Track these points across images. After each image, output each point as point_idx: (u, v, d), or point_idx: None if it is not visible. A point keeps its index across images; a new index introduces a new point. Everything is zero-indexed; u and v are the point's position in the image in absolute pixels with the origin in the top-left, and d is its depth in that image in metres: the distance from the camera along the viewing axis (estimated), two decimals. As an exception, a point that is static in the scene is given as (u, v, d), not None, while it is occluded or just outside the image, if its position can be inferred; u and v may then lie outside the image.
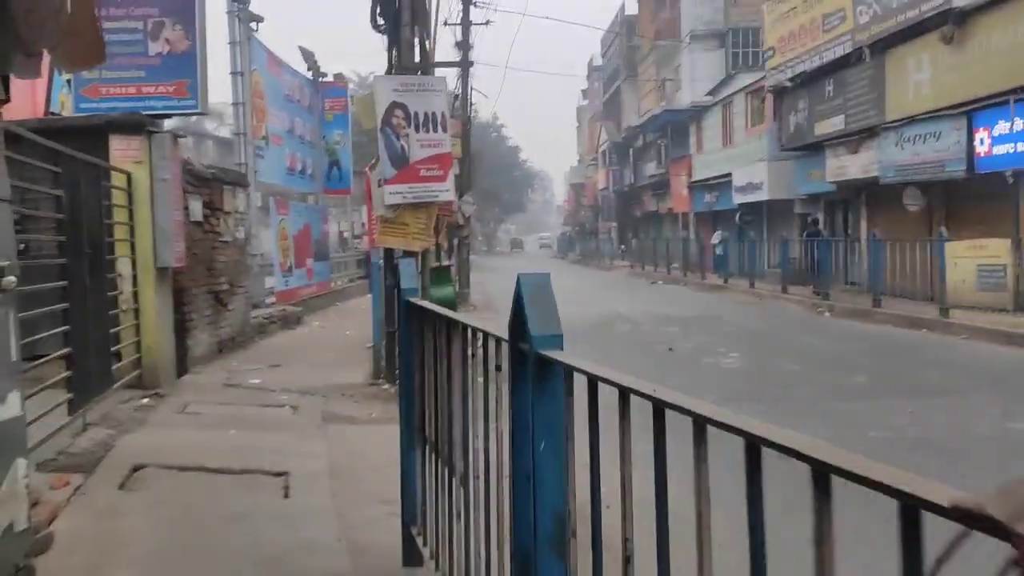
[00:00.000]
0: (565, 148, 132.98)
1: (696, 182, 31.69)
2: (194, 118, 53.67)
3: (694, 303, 20.44)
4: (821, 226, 22.27)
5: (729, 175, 27.64)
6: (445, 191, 9.42)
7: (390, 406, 8.51)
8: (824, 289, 18.03)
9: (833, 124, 19.10)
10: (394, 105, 9.23)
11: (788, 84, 21.07)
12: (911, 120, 15.80)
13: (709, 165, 30.24)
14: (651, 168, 44.60)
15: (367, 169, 10.31)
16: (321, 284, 19.68)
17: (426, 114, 9.32)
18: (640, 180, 47.87)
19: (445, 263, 15.21)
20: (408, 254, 9.50)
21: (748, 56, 37.74)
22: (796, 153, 22.58)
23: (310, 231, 18.97)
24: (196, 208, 11.07)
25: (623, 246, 47.92)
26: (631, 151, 50.86)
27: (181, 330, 10.22)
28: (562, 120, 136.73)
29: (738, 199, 27.09)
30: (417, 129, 9.28)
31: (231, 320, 12.37)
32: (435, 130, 9.37)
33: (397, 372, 9.64)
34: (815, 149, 20.65)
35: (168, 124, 10.86)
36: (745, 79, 27.65)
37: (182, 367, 9.97)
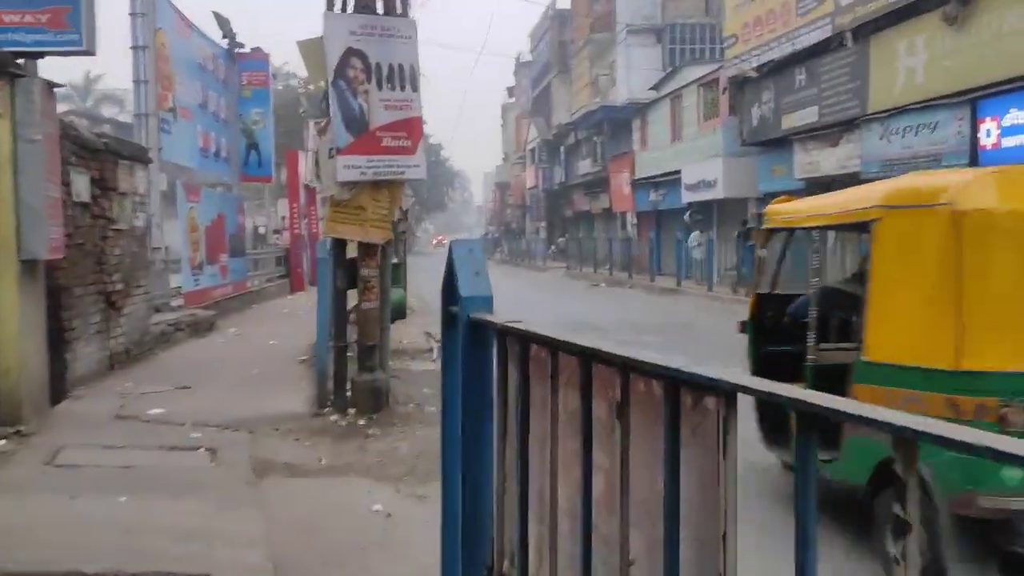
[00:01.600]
0: (484, 148, 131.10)
1: (640, 180, 30.19)
2: (89, 102, 49.49)
3: (657, 308, 18.78)
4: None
5: (678, 172, 26.18)
6: (413, 167, 7.32)
7: (345, 447, 6.38)
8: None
9: (804, 116, 17.73)
10: (350, 53, 7.08)
11: (752, 74, 19.65)
12: (902, 110, 14.45)
13: (655, 162, 28.77)
14: (585, 166, 43.11)
15: (315, 129, 8.11)
16: (237, 284, 17.17)
17: (391, 67, 7.19)
18: (572, 178, 46.37)
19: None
20: (364, 247, 7.35)
21: (686, 52, 36.60)
22: (757, 149, 21.21)
23: (224, 222, 16.43)
24: (81, 186, 8.64)
25: (553, 246, 46.26)
26: (562, 149, 49.35)
27: (58, 342, 7.81)
28: (480, 120, 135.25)
29: (688, 197, 25.66)
30: (380, 85, 7.15)
31: (127, 328, 9.93)
32: (402, 88, 7.26)
33: (350, 398, 7.49)
34: (780, 144, 19.29)
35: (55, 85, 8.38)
36: (695, 71, 26.24)
37: (58, 391, 7.56)
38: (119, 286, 9.68)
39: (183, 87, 14.60)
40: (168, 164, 14.01)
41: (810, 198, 6.86)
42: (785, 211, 5.80)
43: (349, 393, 7.41)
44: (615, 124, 38.26)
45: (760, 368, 5.73)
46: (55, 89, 7.09)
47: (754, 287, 6.43)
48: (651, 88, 30.67)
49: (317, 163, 17.10)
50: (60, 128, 7.80)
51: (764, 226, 5.95)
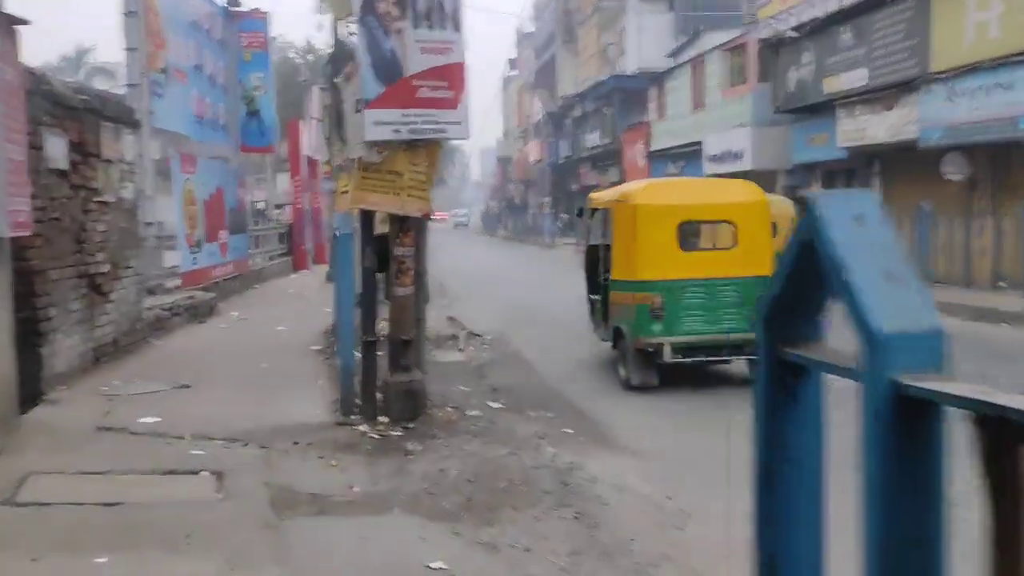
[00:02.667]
0: (483, 122, 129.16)
1: (657, 151, 28.79)
2: (81, 75, 47.72)
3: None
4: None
5: (699, 143, 24.80)
6: (455, 124, 6.02)
7: (381, 467, 5.18)
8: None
9: (850, 79, 16.35)
10: (380, -20, 5.76)
11: (791, 34, 18.22)
12: (971, 68, 13.11)
13: (673, 132, 27.35)
14: (593, 139, 41.66)
15: (335, 79, 6.84)
16: (238, 262, 15.87)
17: (430, 1, 5.88)
18: (579, 152, 44.90)
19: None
20: (398, 222, 6.07)
21: (700, 19, 35.07)
22: (792, 117, 19.85)
23: (223, 196, 15.11)
24: (57, 150, 7.34)
25: (559, 221, 44.85)
26: (568, 121, 47.85)
27: (30, 335, 6.57)
28: (478, 94, 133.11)
29: (710, 169, 24.25)
30: (417, 23, 5.84)
31: (115, 314, 8.67)
32: (443, 26, 5.94)
33: (381, 403, 6.23)
34: (821, 110, 17.92)
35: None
36: (718, 36, 24.77)
37: (31, 393, 6.33)
38: (105, 267, 8.41)
39: (176, 47, 13.23)
40: (161, 132, 12.67)
41: (607, 190, 10.94)
42: (595, 198, 10.14)
43: (379, 397, 6.16)
44: (626, 95, 36.77)
45: (591, 288, 9.69)
46: (17, 27, 5.77)
47: (585, 241, 10.87)
48: (668, 55, 29.20)
49: (328, 133, 15.61)
50: (29, 80, 6.50)
51: (588, 207, 9.94)
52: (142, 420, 6.06)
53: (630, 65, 37.29)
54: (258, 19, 17.10)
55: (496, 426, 6.33)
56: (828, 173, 19.27)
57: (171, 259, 12.80)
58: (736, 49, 23.03)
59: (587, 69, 44.30)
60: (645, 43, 36.99)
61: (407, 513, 4.54)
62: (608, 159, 38.80)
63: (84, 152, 7.99)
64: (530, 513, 4.53)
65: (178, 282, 12.49)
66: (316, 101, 22.39)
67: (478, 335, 10.75)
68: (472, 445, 5.76)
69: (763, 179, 22.53)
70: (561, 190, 51.58)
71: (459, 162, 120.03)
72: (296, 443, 5.67)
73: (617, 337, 8.31)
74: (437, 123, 5.94)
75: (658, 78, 29.50)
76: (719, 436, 5.54)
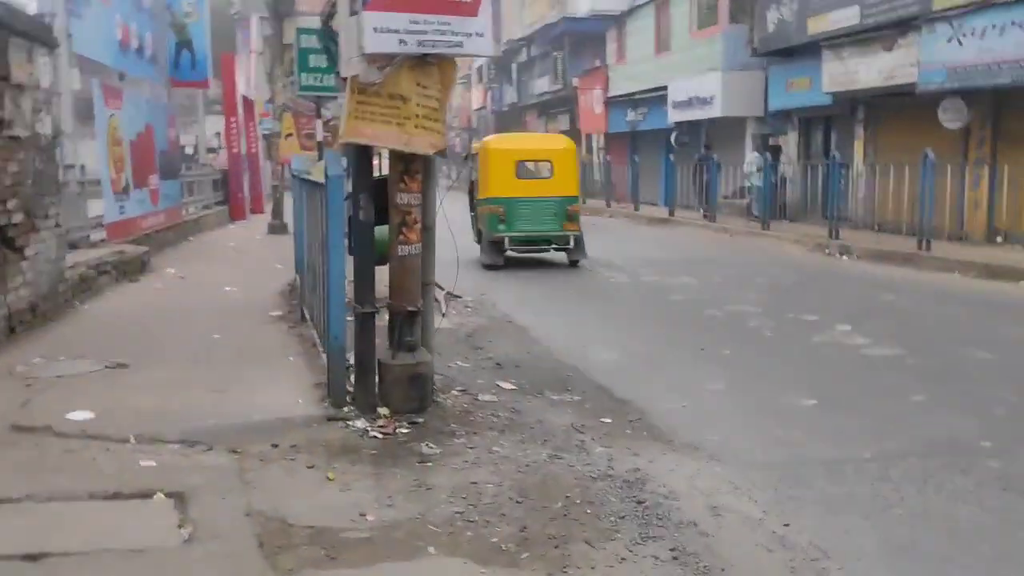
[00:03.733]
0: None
1: (615, 97, 27.51)
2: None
3: (664, 243, 16.48)
4: (790, 150, 18.82)
5: (663, 88, 23.63)
6: (476, 35, 4.69)
7: (393, 480, 4.05)
8: (838, 227, 14.47)
9: (839, 18, 15.31)
10: None
11: (772, -31, 17.08)
12: (982, 5, 12.17)
13: (633, 77, 26.08)
14: (542, 85, 40.09)
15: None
16: (170, 212, 14.19)
17: None
18: (526, 99, 43.35)
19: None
20: (402, 162, 4.75)
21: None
22: (769, 60, 18.82)
23: (153, 136, 13.37)
24: (-51, 67, 5.78)
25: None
26: (514, 67, 46.12)
27: (-82, 306, 5.12)
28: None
29: (675, 117, 23.20)
30: (426, -103, 4.46)
31: (31, 275, 7.16)
32: (460, -95, 4.58)
33: (380, 390, 4.92)
34: (803, 53, 16.90)
35: None
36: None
37: (-79, 382, 4.90)
38: (18, 216, 6.88)
39: (97, -40, 11.40)
40: (80, 60, 10.89)
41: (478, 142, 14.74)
42: (473, 147, 14.30)
43: (377, 380, 4.92)
44: (578, 38, 35.24)
45: (471, 208, 13.35)
46: None
47: (469, 178, 13.75)
48: (627, -5, 27.83)
49: (270, 68, 13.86)
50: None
51: (470, 154, 13.40)
52: (71, 415, 4.70)
53: (582, 6, 35.77)
54: (190, -64, 15.18)
55: (521, 416, 5.15)
56: (806, 120, 18.38)
57: (94, 208, 11.14)
58: (705, -13, 21.81)
59: (534, 11, 42.45)
60: (597, -17, 35.49)
61: (447, 554, 3.35)
62: (559, 106, 37.35)
63: (-15, 73, 6.40)
64: (611, 550, 3.39)
65: (103, 235, 10.86)
66: (255, 32, 20.49)
67: (457, 296, 9.51)
68: (501, 445, 4.57)
69: (732, 127, 21.61)
70: (505, 138, 49.96)
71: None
72: (275, 445, 4.41)
73: (480, 235, 12.58)
74: (454, 34, 4.61)
75: (617, 20, 28.13)
76: (815, 428, 4.65)
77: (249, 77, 19.58)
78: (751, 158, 19.00)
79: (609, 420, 5.19)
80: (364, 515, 3.66)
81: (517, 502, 3.83)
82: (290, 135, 15.71)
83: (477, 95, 54.60)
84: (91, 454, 4.20)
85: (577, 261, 12.27)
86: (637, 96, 25.99)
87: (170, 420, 4.66)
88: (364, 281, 4.84)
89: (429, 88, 4.69)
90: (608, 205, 24.87)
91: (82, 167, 10.56)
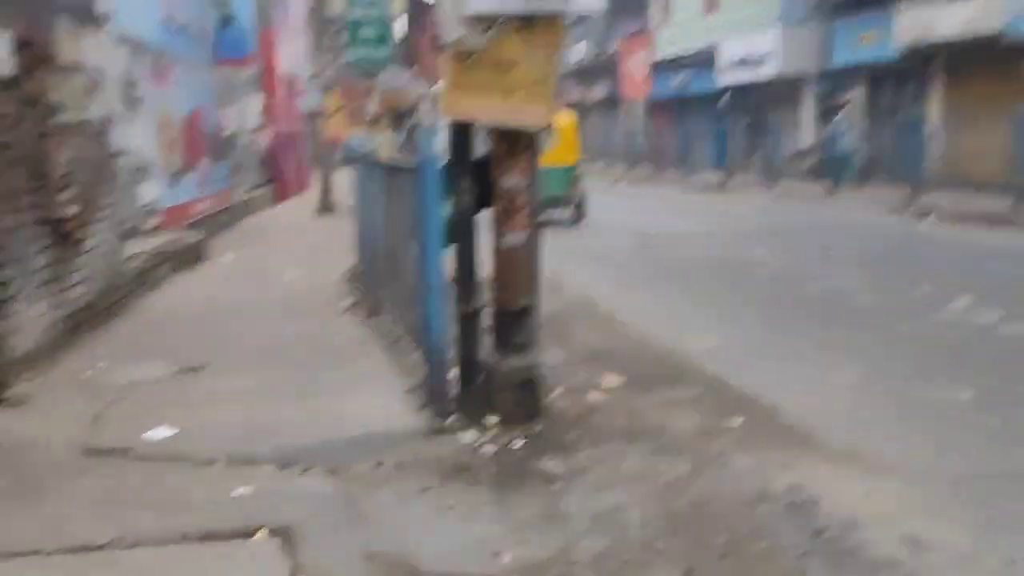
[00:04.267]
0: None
1: (661, 62, 26.58)
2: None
3: (724, 212, 15.75)
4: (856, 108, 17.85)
5: (712, 50, 22.72)
6: (587, -10, 4.08)
7: (521, 508, 3.54)
8: (916, 189, 13.62)
9: (916, -34, 14.38)
10: None
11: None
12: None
13: (679, 40, 25.15)
14: (579, 50, 39.14)
15: None
16: (221, 195, 13.78)
17: None
18: (563, 66, 42.27)
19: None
20: (507, 139, 4.18)
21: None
22: (833, 13, 17.84)
23: (201, 118, 12.94)
24: (-3, 49, 5.32)
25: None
26: (551, 33, 44.96)
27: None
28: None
29: (725, 80, 22.31)
30: None
31: (90, 269, 6.74)
32: None
33: (487, 397, 4.32)
34: (871, 4, 15.93)
35: None
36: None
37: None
38: (74, 208, 6.44)
39: (136, -67, 10.86)
40: (124, 38, 10.40)
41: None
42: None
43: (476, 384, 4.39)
44: (618, 2, 34.30)
45: None
46: None
47: None
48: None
49: (315, 42, 13.37)
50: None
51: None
52: (151, 433, 4.24)
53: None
54: (228, -95, 14.56)
55: (641, 420, 4.61)
56: (875, 77, 17.41)
57: (147, 193, 10.72)
58: (761, -60, 20.74)
59: (571, -25, 41.33)
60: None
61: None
62: (597, 72, 36.43)
63: (35, 55, 5.92)
64: (803, 600, 2.84)
65: (157, 221, 10.45)
66: (300, 4, 19.92)
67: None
68: (632, 459, 4.03)
69: (788, 87, 20.66)
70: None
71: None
72: (380, 464, 3.91)
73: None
74: (563, -10, 4.01)
75: (662, -21, 27.14)
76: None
77: (293, 52, 19.01)
78: (838, 117, 17.86)
79: (740, 421, 4.62)
80: (498, 555, 3.14)
81: (672, 535, 3.29)
82: (337, 111, 15.18)
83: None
84: (177, 481, 3.74)
85: (580, 219, 13.78)
86: (684, 59, 25.05)
87: (259, 436, 4.19)
88: (466, 276, 4.30)
89: (538, 51, 4.09)
90: (656, 173, 24.10)
91: (132, 152, 10.11)
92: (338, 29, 14.66)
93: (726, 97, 22.63)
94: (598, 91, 37.23)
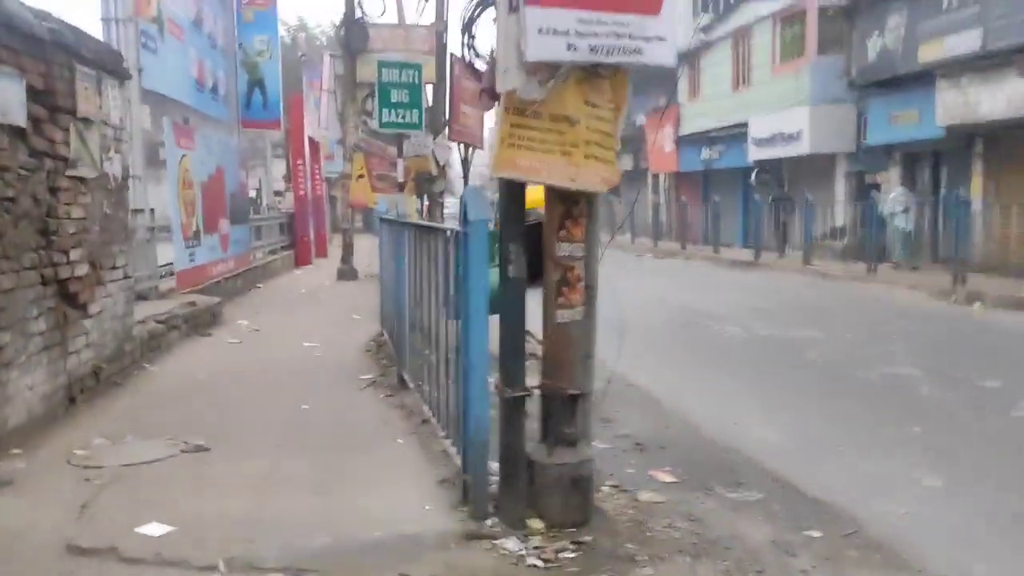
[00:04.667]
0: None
1: (689, 136, 26.44)
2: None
3: (759, 289, 15.21)
4: (896, 187, 17.42)
5: (743, 125, 22.52)
6: (656, 40, 3.64)
7: None
8: (960, 271, 13.05)
9: (956, 44, 14.10)
10: None
11: (877, -6, 15.90)
12: None
13: (708, 114, 25.02)
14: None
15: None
16: (239, 258, 13.45)
17: None
18: (588, 138, 42.46)
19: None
20: (564, 202, 3.70)
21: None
22: (867, 92, 17.58)
23: (224, 178, 12.69)
24: (8, 95, 4.97)
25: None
26: (575, 106, 45.38)
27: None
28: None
29: (756, 154, 22.03)
30: None
31: (96, 334, 6.27)
32: None
33: (530, 494, 3.70)
34: (911, 82, 15.66)
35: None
36: (761, 6, 22.41)
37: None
38: (82, 268, 6.02)
39: (170, -6, 10.78)
40: (152, 96, 10.19)
41: None
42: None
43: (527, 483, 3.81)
44: (643, 77, 34.48)
45: None
46: None
47: None
48: (700, 29, 26.84)
49: (342, 106, 13.23)
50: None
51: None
52: (143, 529, 3.68)
53: (646, 45, 34.94)
54: (263, -29, 14.62)
55: (706, 528, 4.00)
56: (909, 156, 17.03)
57: (164, 254, 10.36)
58: (791, 18, 20.69)
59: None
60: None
61: None
62: (623, 146, 36.41)
63: (51, 105, 5.58)
64: None
65: (172, 284, 10.06)
66: (328, 71, 19.97)
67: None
68: (704, 580, 3.42)
69: (819, 164, 20.34)
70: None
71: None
72: (406, 578, 3.32)
73: None
74: (631, 38, 3.58)
75: (690, 56, 27.15)
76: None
77: (319, 117, 18.95)
78: (895, 194, 16.35)
79: (819, 534, 4.01)
80: None
81: None
82: (361, 176, 14.93)
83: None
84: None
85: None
86: (713, 133, 24.88)
87: (267, 536, 3.62)
88: (514, 355, 3.77)
89: (600, 107, 3.65)
90: (683, 247, 23.68)
91: (151, 211, 9.79)
92: (367, 94, 14.48)
93: (756, 172, 22.32)
94: (622, 163, 37.21)
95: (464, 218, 3.69)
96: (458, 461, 4.13)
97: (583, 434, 3.87)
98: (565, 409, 3.79)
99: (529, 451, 3.84)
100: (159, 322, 8.01)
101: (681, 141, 27.22)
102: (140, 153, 9.46)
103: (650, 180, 32.23)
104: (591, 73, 3.60)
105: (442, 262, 4.51)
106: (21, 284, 5.12)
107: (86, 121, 6.15)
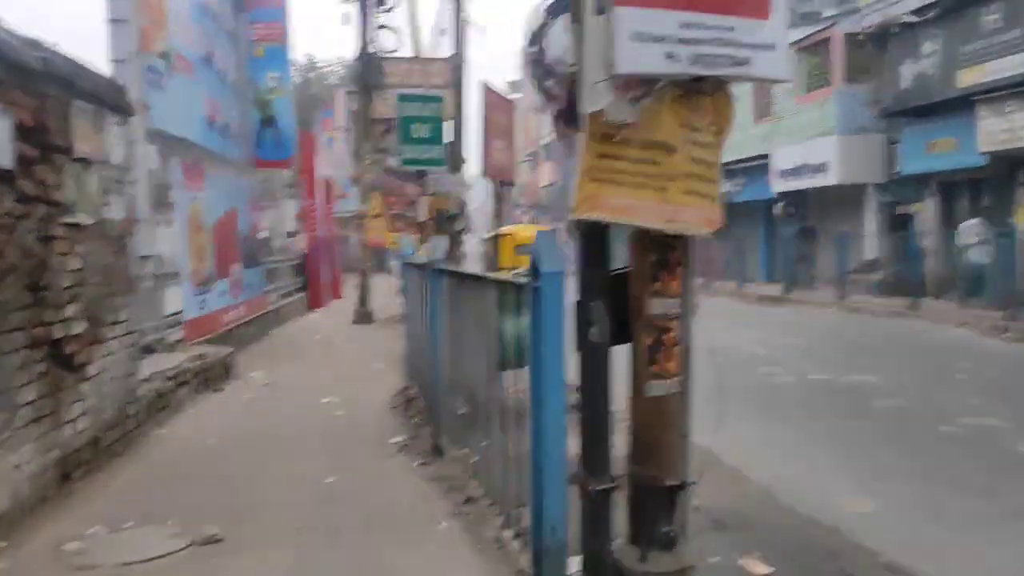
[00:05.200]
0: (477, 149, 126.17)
1: (708, 168, 25.86)
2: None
3: (796, 326, 14.46)
4: (930, 220, 16.75)
5: (765, 156, 21.92)
6: (765, 51, 2.97)
7: None
8: (1011, 306, 12.28)
9: (999, 68, 13.48)
10: None
11: (910, 19, 15.33)
12: None
13: (729, 147, 24.16)
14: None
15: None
16: (252, 303, 12.78)
17: None
18: (601, 173, 42.01)
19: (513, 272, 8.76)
20: (657, 248, 3.00)
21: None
22: (900, 121, 16.96)
23: (236, 220, 12.08)
24: (-8, 133, 4.34)
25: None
26: (587, 141, 45.00)
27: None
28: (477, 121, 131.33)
29: (779, 186, 21.39)
30: None
31: (94, 399, 5.58)
32: None
33: None
34: (949, 109, 15.02)
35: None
36: (790, 34, 21.82)
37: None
38: (78, 326, 5.34)
39: (181, 30, 10.24)
40: (160, 136, 9.59)
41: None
42: (496, 232, 14.56)
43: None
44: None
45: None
46: None
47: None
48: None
49: (357, 143, 12.61)
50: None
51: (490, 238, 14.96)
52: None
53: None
54: (274, 7, 14.12)
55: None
56: (946, 186, 16.33)
57: (172, 301, 9.69)
58: (815, 47, 20.13)
59: (608, 85, 41.47)
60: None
61: None
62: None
63: (43, 144, 4.95)
64: None
65: (181, 334, 9.38)
66: (342, 107, 19.53)
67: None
68: None
69: (848, 195, 19.68)
70: (577, 214, 48.50)
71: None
72: None
73: None
74: (738, 46, 2.92)
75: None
76: None
77: (332, 155, 18.46)
78: (969, 226, 14.84)
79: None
80: None
81: None
82: (378, 215, 14.33)
83: (546, 171, 53.64)
84: None
85: None
86: (734, 166, 24.25)
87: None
88: (597, 438, 3.06)
89: (701, 131, 2.99)
90: (705, 283, 22.95)
91: (159, 257, 9.14)
92: (384, 130, 13.93)
93: (780, 205, 21.67)
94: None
95: (535, 270, 3.00)
96: (523, 563, 3.40)
97: (682, 533, 3.14)
98: (660, 503, 3.07)
99: (617, 554, 3.11)
100: (167, 379, 7.32)
101: (700, 174, 26.60)
102: (146, 195, 8.85)
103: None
104: (691, 89, 2.93)
105: (500, 320, 3.82)
106: (7, 348, 4.45)
107: (84, 161, 5.52)
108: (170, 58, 9.68)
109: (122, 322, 6.21)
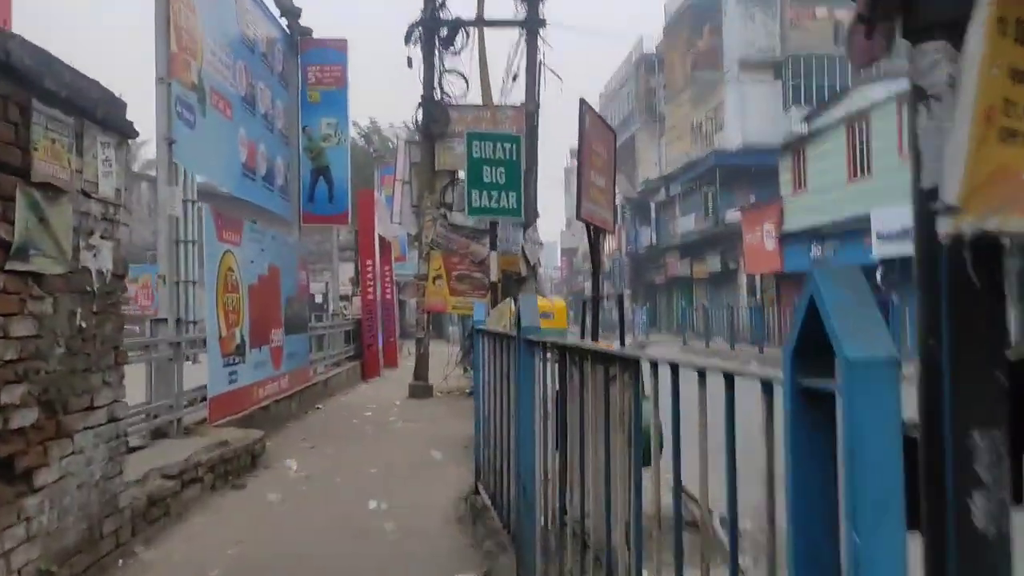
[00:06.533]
0: (547, 214, 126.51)
1: (793, 233, 23.86)
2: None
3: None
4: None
5: (860, 219, 19.94)
6: None
7: None
8: None
9: None
10: None
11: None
12: None
13: (817, 209, 22.49)
14: (686, 223, 37.21)
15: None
16: (296, 374, 11.22)
17: None
18: (666, 239, 40.43)
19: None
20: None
21: (811, 90, 30.89)
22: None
23: (279, 280, 10.60)
24: None
25: (644, 312, 39.68)
26: (652, 206, 43.65)
27: None
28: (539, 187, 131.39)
29: (881, 251, 19.32)
30: None
31: (49, 516, 3.94)
32: None
33: None
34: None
35: None
36: (881, 89, 20.09)
37: None
38: (25, 416, 3.75)
39: (217, 63, 8.96)
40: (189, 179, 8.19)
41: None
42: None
43: None
44: (729, 173, 32.45)
45: None
46: None
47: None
48: (804, 119, 24.68)
49: (418, 198, 11.23)
50: None
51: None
52: None
53: (731, 141, 33.07)
54: (334, 48, 12.91)
55: None
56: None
57: (195, 375, 8.16)
58: (919, 98, 18.25)
59: (676, 148, 40.09)
60: (749, 116, 32.88)
61: None
62: (707, 246, 34.07)
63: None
64: None
65: (203, 414, 7.80)
66: (403, 158, 18.24)
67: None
68: None
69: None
70: (640, 281, 46.84)
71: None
72: None
73: None
74: None
75: (794, 146, 24.88)
76: None
77: (392, 212, 17.11)
78: None
79: None
80: None
81: None
82: (438, 277, 12.77)
83: (611, 238, 52.14)
84: None
85: None
86: (823, 230, 22.29)
87: None
88: None
89: None
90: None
91: (178, 321, 7.64)
92: (447, 183, 12.48)
93: (881, 271, 19.57)
94: (708, 264, 34.78)
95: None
96: None
97: None
98: None
99: None
100: (168, 477, 5.68)
101: (785, 238, 24.64)
102: (166, 247, 7.42)
103: (744, 281, 29.60)
104: None
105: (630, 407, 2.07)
106: None
107: (47, 188, 4.01)
108: (204, 92, 8.36)
109: (102, 407, 4.61)
